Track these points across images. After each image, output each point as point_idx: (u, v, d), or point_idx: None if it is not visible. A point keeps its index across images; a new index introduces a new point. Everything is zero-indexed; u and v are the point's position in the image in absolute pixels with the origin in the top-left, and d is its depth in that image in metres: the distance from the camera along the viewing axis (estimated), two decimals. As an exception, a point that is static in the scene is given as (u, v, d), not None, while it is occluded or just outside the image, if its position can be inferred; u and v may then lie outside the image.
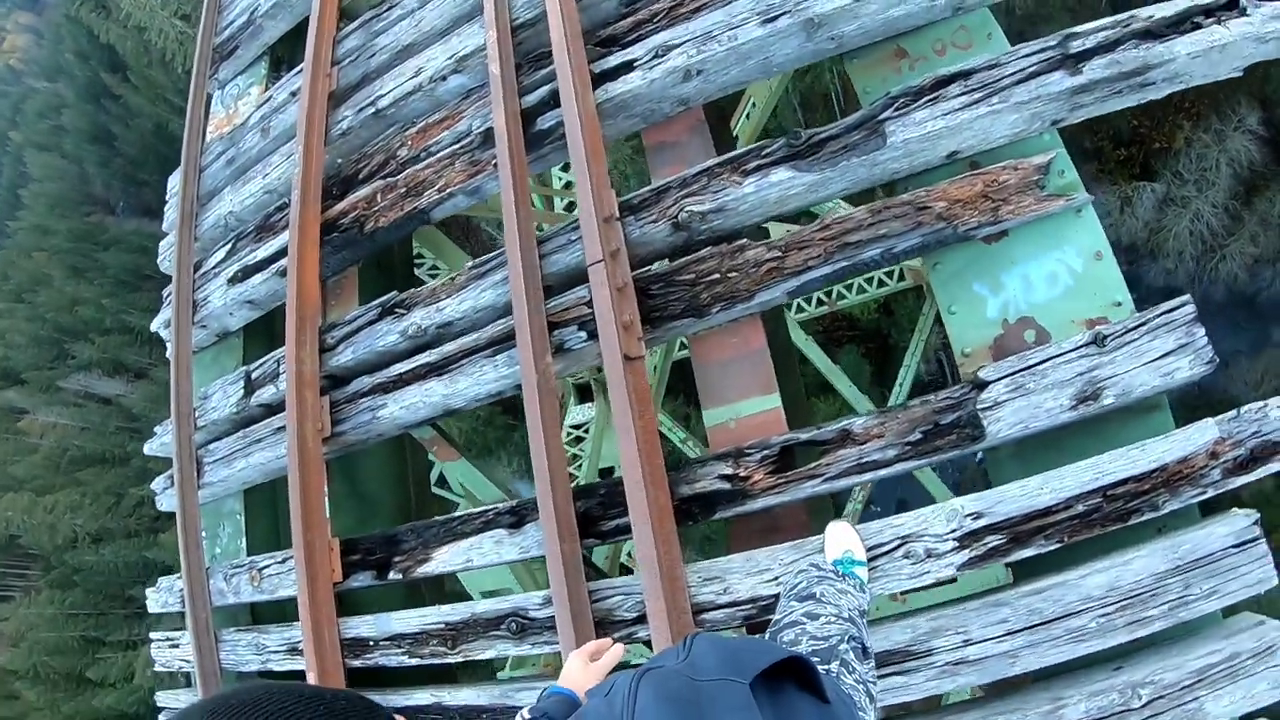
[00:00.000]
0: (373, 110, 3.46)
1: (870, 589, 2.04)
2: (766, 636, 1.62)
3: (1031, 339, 2.21)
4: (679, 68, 2.75)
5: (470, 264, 2.94)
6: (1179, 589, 1.89)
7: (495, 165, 2.98)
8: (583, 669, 1.34)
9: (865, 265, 2.40)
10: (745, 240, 2.55)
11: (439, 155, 3.17)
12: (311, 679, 2.74)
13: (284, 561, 3.06)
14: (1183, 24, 2.10)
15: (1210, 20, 2.07)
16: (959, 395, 2.16)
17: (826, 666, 1.42)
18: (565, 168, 7.36)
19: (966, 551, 2.02)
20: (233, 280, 3.63)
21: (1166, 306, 2.01)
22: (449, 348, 2.83)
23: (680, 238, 2.64)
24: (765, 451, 2.35)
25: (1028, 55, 2.23)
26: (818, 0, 2.56)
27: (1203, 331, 1.97)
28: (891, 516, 2.13)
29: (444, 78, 3.32)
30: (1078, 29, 2.19)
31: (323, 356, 3.14)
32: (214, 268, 3.81)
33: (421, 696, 2.75)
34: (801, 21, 2.58)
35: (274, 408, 3.29)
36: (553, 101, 2.95)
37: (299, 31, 4.10)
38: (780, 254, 2.48)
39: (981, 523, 2.02)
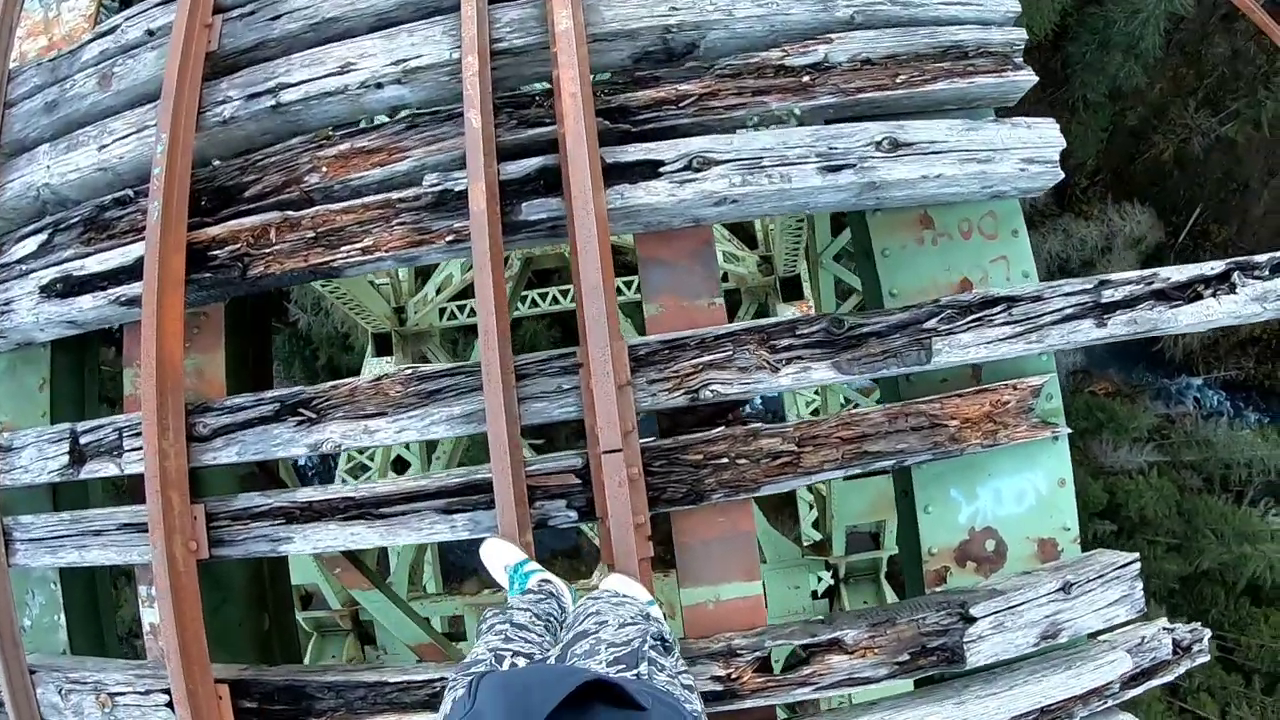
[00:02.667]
0: (272, 102, 2.55)
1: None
2: (554, 656, 1.44)
3: (991, 548, 2.36)
4: (717, 193, 2.25)
5: (413, 373, 2.33)
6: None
7: (451, 240, 2.34)
8: None
9: (876, 470, 2.35)
10: (760, 425, 2.24)
11: (366, 201, 2.42)
12: None
13: (146, 694, 2.45)
14: (1189, 289, 2.29)
15: (1209, 291, 2.28)
16: (947, 624, 2.19)
17: (635, 671, 1.29)
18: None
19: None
20: (48, 291, 2.67)
21: (1120, 560, 2.26)
22: (384, 487, 2.28)
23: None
24: (757, 653, 2.22)
25: (1068, 294, 2.27)
26: (885, 165, 2.29)
27: (1141, 586, 2.26)
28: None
29: (379, 85, 2.50)
30: (1111, 277, 2.28)
31: (190, 446, 2.42)
32: (21, 261, 2.78)
33: None
34: (864, 182, 2.29)
35: (119, 492, 2.54)
36: (542, 182, 2.32)
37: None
38: (796, 448, 2.25)
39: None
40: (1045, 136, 2.41)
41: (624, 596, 1.77)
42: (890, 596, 6.37)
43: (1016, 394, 2.29)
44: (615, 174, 2.29)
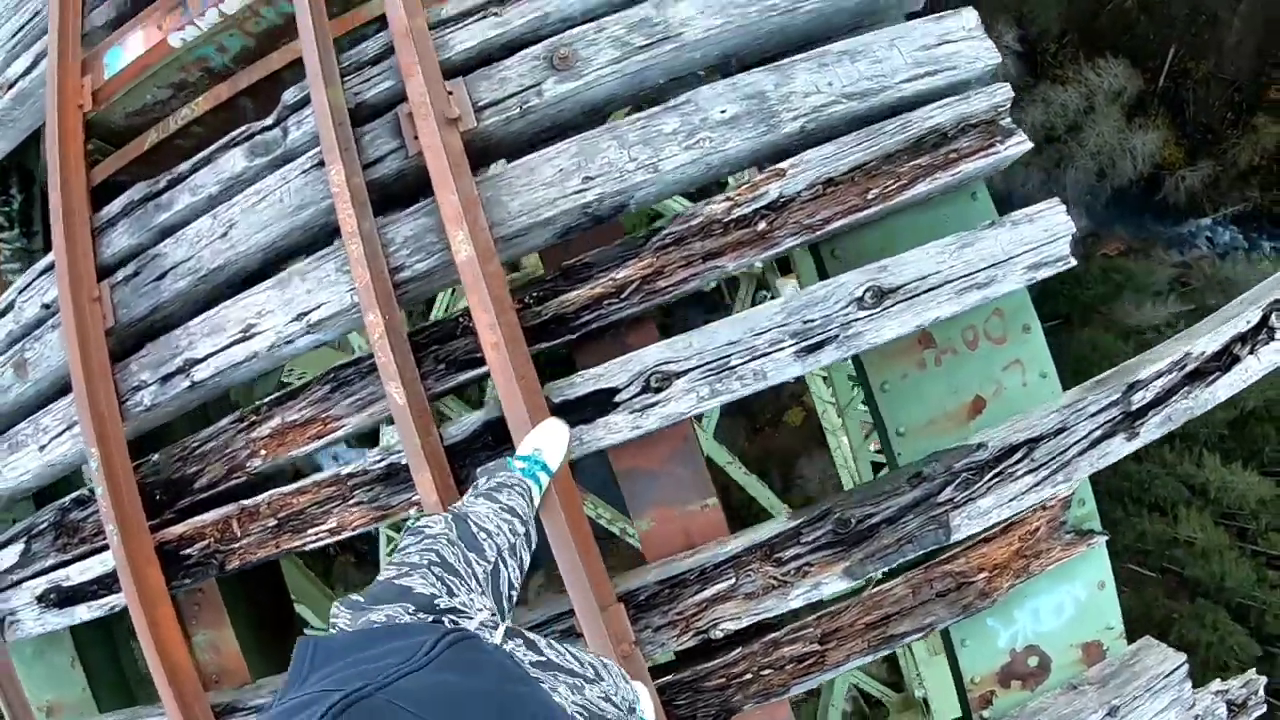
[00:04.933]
0: (187, 382, 2.30)
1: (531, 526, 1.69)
2: (537, 659, 1.16)
3: (1034, 664, 2.22)
4: (684, 412, 1.94)
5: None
6: None
7: (415, 508, 2.13)
8: None
9: (903, 644, 2.17)
10: (778, 635, 2.05)
11: (318, 479, 2.21)
12: None
13: None
14: (1224, 355, 2.08)
15: (1246, 349, 2.07)
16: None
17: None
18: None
19: None
20: (45, 601, 2.59)
21: (1167, 666, 2.10)
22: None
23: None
24: None
25: (1094, 415, 2.03)
26: (871, 325, 1.99)
27: (1189, 685, 2.11)
28: None
29: (289, 341, 2.22)
30: (1140, 375, 2.04)
31: (226, 742, 2.38)
32: (9, 571, 2.69)
33: None
34: (850, 350, 1.99)
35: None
36: (490, 437, 2.05)
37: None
38: (819, 647, 2.07)
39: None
40: (1052, 227, 2.02)
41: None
42: None
43: (1047, 515, 2.08)
44: (567, 411, 1.99)
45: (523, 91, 2.12)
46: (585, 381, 1.99)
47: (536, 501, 1.74)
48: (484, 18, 2.21)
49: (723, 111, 2.06)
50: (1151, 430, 2.04)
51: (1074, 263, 2.01)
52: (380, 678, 0.78)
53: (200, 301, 2.35)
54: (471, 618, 1.12)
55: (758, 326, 1.95)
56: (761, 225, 2.05)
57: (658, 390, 1.95)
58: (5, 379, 2.65)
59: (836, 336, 1.94)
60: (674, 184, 2.09)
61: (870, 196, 2.05)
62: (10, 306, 2.66)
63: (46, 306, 2.56)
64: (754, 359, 1.94)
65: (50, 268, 2.54)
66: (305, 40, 2.23)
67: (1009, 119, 2.12)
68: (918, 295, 1.97)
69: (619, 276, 2.05)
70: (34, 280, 2.61)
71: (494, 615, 1.17)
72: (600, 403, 1.98)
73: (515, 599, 1.45)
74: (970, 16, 2.18)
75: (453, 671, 0.87)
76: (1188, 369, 2.05)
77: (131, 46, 2.65)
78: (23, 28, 2.98)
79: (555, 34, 2.18)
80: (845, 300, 1.98)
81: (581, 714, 1.09)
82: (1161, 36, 14.72)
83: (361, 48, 2.28)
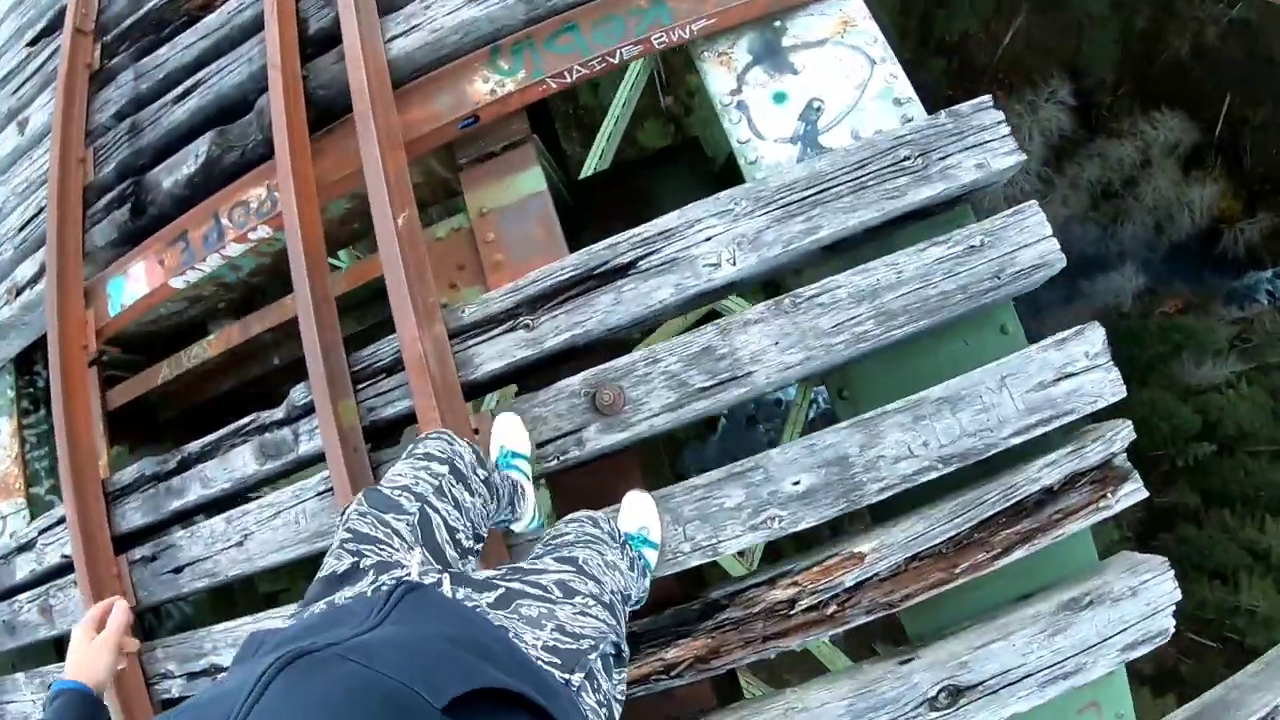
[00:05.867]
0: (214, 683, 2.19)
1: (649, 580, 1.65)
2: (494, 598, 1.05)
3: None
4: None
5: None
6: None
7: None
8: (89, 649, 1.08)
9: None
10: None
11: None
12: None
13: None
14: None
15: None
16: None
17: (567, 676, 1.02)
18: None
19: None
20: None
21: None
22: None
23: None
24: None
25: None
26: None
27: None
28: None
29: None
30: None
31: None
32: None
33: None
34: None
35: None
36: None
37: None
38: None
39: None
40: (1156, 600, 1.74)
41: (619, 561, 1.40)
42: None
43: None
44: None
45: (561, 438, 1.83)
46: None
47: (456, 444, 1.42)
48: (512, 329, 1.90)
49: (796, 484, 1.74)
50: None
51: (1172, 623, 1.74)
52: (330, 638, 0.73)
53: (221, 607, 2.20)
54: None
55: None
56: (832, 609, 1.77)
57: None
58: (32, 615, 2.58)
59: (907, 743, 1.69)
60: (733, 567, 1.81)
61: (958, 570, 1.75)
62: (31, 543, 2.56)
63: (66, 558, 2.45)
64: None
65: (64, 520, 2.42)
66: (308, 343, 1.96)
67: (1124, 457, 1.77)
68: (997, 691, 1.69)
69: (668, 656, 1.81)
70: (51, 527, 2.49)
71: (424, 565, 1.06)
72: None
73: (471, 537, 1.28)
74: (1096, 337, 1.79)
75: (404, 624, 0.83)
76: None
77: (134, 278, 2.41)
78: (29, 223, 2.75)
79: (595, 357, 1.87)
80: (917, 701, 1.71)
81: (548, 655, 0.99)
82: (1217, 83, 14.09)
83: (375, 351, 1.99)
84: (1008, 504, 1.75)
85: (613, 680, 1.15)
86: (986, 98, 1.90)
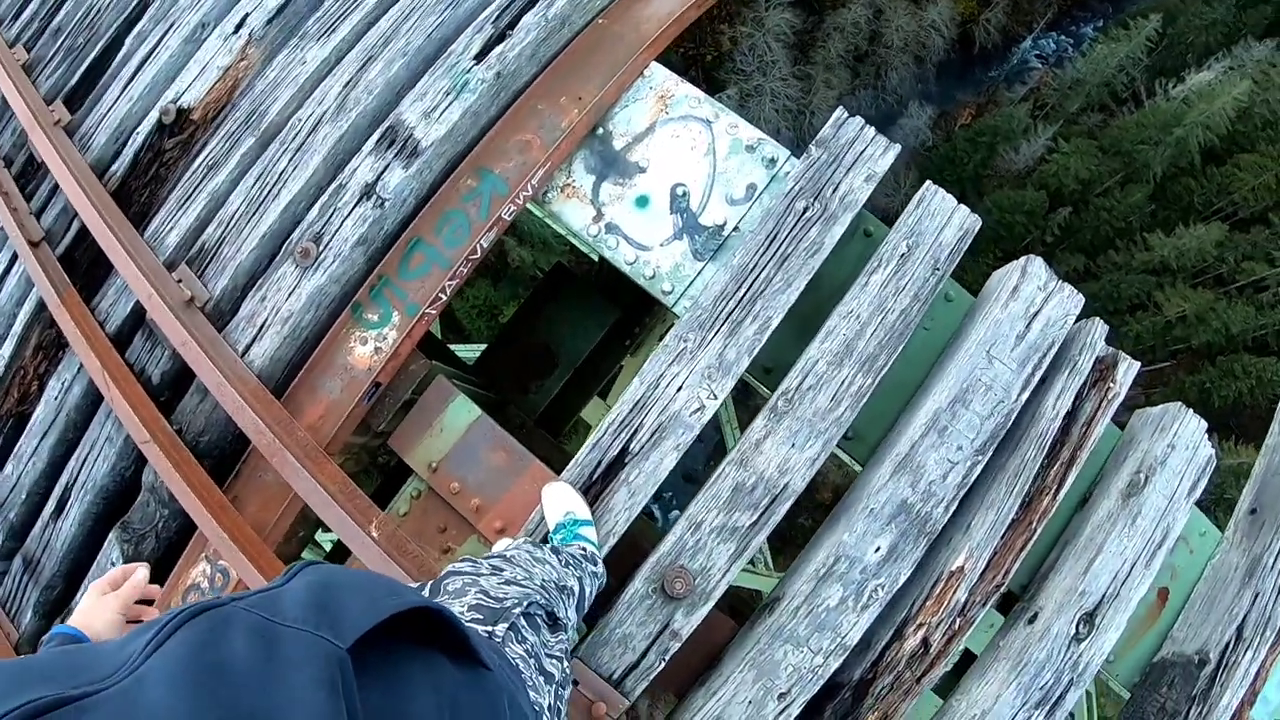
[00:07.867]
0: None
1: (599, 563, 1.72)
2: (429, 588, 1.24)
3: None
4: None
5: None
6: None
7: None
8: (97, 602, 1.08)
9: None
10: None
11: None
12: None
13: None
14: None
15: None
16: None
17: (490, 628, 1.12)
18: None
19: None
20: None
21: None
22: None
23: None
24: None
25: None
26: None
27: None
28: None
29: None
30: None
31: None
32: None
33: None
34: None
35: None
36: None
37: None
38: None
39: None
40: (1190, 437, 1.94)
41: (547, 557, 1.50)
42: None
43: None
44: None
45: (656, 641, 1.79)
46: None
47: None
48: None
49: (877, 550, 1.79)
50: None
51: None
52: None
53: None
54: None
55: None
56: (959, 623, 1.86)
57: None
58: None
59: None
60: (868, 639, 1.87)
61: (1035, 524, 1.87)
62: None
63: None
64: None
65: None
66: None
67: (1101, 342, 1.92)
68: (1119, 594, 1.85)
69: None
70: None
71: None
72: None
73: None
74: (1038, 269, 1.89)
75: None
76: None
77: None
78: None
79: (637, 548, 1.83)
80: (1064, 645, 1.84)
81: (472, 613, 1.15)
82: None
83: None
84: (1045, 450, 1.86)
85: (543, 638, 1.26)
86: (840, 111, 1.89)
